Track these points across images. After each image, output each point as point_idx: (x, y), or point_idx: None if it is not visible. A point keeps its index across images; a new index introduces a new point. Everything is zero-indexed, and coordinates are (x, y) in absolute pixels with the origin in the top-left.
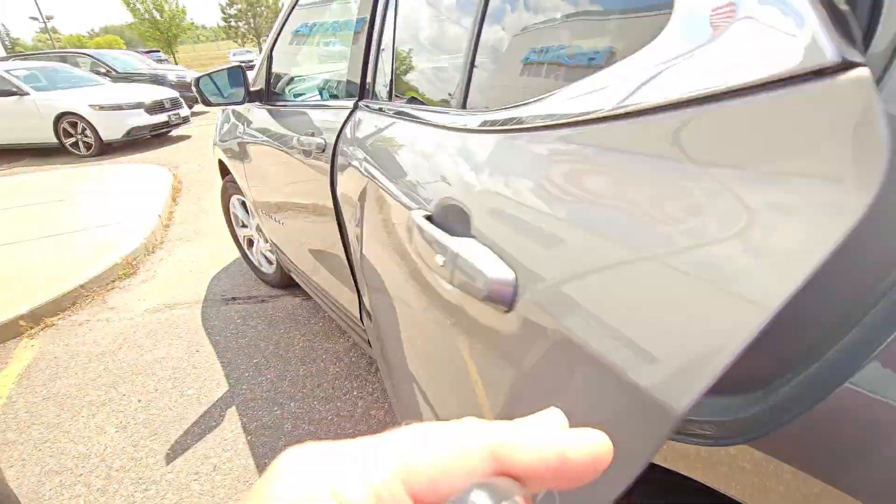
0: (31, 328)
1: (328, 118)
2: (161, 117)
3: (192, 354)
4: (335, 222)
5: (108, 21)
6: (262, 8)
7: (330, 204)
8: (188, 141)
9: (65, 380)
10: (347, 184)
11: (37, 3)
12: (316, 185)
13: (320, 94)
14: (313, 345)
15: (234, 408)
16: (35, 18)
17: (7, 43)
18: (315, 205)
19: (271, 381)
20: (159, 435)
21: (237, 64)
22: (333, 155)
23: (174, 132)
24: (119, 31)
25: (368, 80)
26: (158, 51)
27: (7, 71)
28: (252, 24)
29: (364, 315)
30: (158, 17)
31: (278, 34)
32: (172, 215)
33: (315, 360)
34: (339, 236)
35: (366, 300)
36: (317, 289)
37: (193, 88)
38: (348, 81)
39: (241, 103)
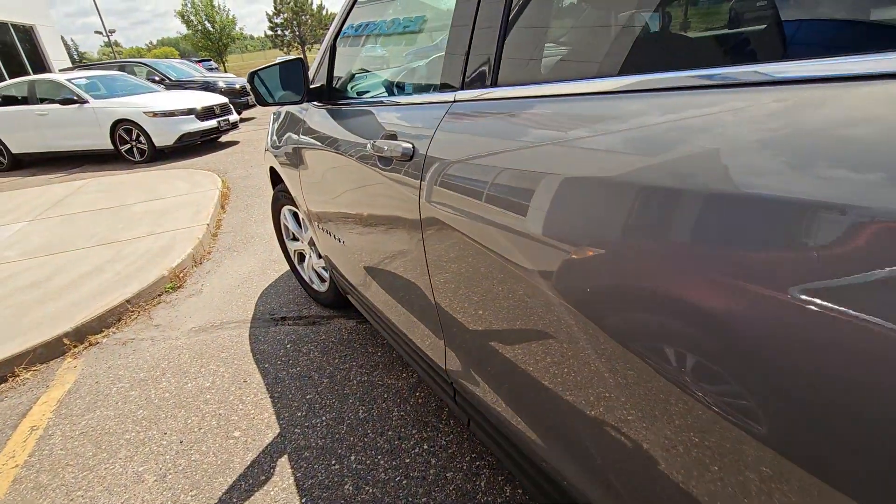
0: (75, 347)
1: (417, 117)
2: (211, 123)
3: (239, 385)
4: (420, 244)
5: (164, 34)
6: (307, 16)
7: (414, 223)
8: (236, 147)
9: (104, 410)
10: (444, 198)
11: (101, 19)
12: (396, 200)
13: (398, 90)
14: (372, 379)
15: (285, 457)
16: (99, 33)
17: (76, 56)
18: (393, 224)
19: (327, 425)
20: (202, 489)
21: (296, 56)
22: (424, 163)
23: (223, 138)
24: (174, 43)
25: (473, 67)
26: (210, 60)
27: (69, 80)
28: (297, 33)
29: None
30: (210, 27)
31: (342, 23)
32: (221, 223)
33: (376, 398)
34: (423, 263)
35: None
36: (382, 321)
37: (247, 86)
38: (444, 72)
39: (300, 102)
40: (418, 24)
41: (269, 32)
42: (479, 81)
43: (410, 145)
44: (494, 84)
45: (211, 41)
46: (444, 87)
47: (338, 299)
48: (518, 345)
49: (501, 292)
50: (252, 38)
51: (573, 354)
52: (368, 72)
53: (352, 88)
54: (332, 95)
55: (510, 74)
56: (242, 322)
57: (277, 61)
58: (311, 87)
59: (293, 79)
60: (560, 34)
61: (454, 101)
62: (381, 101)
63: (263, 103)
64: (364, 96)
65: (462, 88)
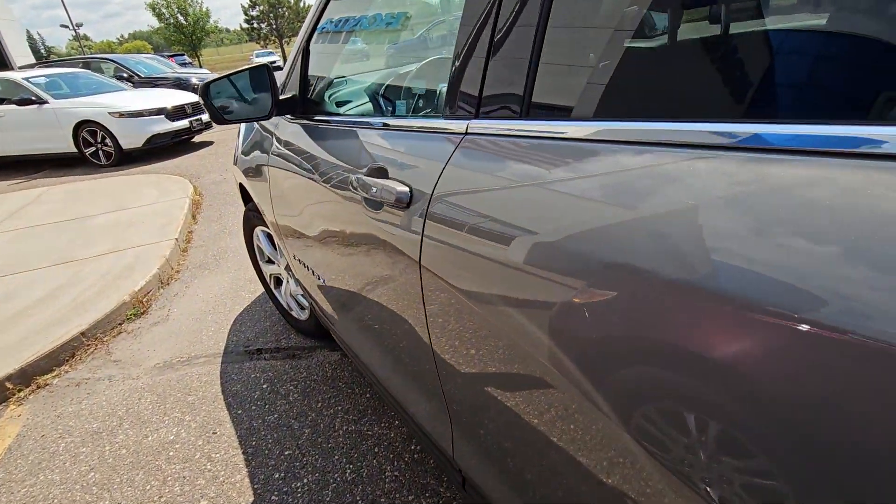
0: (20, 391)
1: (414, 149)
2: (182, 123)
3: (207, 438)
4: (420, 308)
5: (136, 27)
6: (284, 9)
7: (412, 282)
8: (210, 148)
9: (49, 474)
10: (455, 262)
11: (67, 12)
12: (388, 252)
13: (387, 106)
14: (361, 429)
15: None
16: (66, 27)
17: (43, 51)
18: (383, 277)
19: (309, 490)
20: None
21: (261, 63)
22: (426, 214)
23: (196, 138)
24: (147, 37)
25: (494, 88)
26: (183, 54)
27: (26, 78)
28: (274, 26)
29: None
30: (183, 20)
31: (316, 21)
32: (191, 236)
33: (365, 454)
34: (424, 329)
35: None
36: (372, 375)
37: (200, 99)
38: (450, 90)
39: (268, 118)
40: (408, 22)
41: (245, 25)
42: (502, 109)
43: (407, 189)
44: (526, 115)
45: (184, 35)
46: (450, 111)
47: (320, 328)
48: (553, 436)
49: (538, 379)
50: (228, 31)
51: (619, 454)
52: (349, 80)
53: (330, 99)
54: (306, 109)
55: (551, 103)
56: (213, 356)
57: (240, 69)
58: (281, 98)
59: (258, 89)
60: (633, 51)
61: (466, 133)
62: (367, 122)
63: (222, 121)
64: (345, 110)
65: (477, 116)
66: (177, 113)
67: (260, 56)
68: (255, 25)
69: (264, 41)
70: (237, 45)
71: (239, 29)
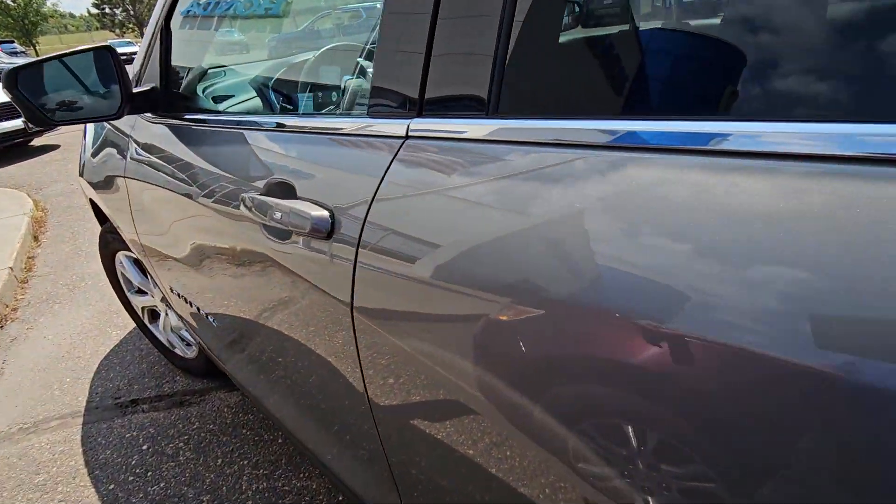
0: None
1: (332, 158)
2: (15, 123)
3: None
4: (352, 357)
5: None
6: None
7: (342, 331)
8: (55, 152)
9: None
10: (396, 299)
11: None
12: (304, 292)
13: (283, 101)
14: (274, 485)
15: None
16: None
17: None
18: (299, 319)
19: None
20: None
21: (102, 44)
22: (358, 247)
23: (35, 141)
24: None
25: (444, 77)
26: (12, 41)
27: None
28: (132, 12)
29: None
30: (10, 2)
31: None
32: (34, 263)
33: None
34: (360, 382)
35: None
36: (285, 429)
37: (5, 91)
38: (378, 81)
39: (117, 117)
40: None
41: (95, 10)
42: (459, 104)
43: (327, 214)
44: (494, 112)
45: (13, 18)
46: (380, 108)
47: (213, 365)
48: None
49: (518, 444)
50: (73, 16)
51: None
52: (229, 70)
53: (204, 94)
54: (172, 105)
55: (529, 96)
56: (71, 416)
57: (67, 51)
58: (136, 90)
59: (101, 78)
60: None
61: (407, 137)
62: (258, 123)
63: (43, 122)
64: (225, 107)
65: (421, 114)
66: (6, 111)
67: (116, 46)
68: (108, 11)
69: (121, 29)
70: (87, 32)
71: (87, 14)
